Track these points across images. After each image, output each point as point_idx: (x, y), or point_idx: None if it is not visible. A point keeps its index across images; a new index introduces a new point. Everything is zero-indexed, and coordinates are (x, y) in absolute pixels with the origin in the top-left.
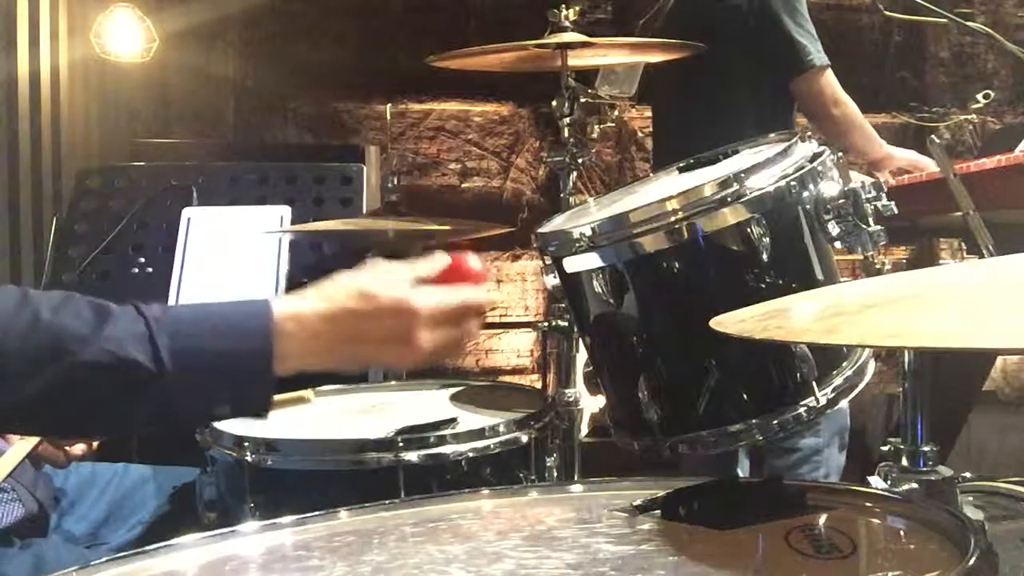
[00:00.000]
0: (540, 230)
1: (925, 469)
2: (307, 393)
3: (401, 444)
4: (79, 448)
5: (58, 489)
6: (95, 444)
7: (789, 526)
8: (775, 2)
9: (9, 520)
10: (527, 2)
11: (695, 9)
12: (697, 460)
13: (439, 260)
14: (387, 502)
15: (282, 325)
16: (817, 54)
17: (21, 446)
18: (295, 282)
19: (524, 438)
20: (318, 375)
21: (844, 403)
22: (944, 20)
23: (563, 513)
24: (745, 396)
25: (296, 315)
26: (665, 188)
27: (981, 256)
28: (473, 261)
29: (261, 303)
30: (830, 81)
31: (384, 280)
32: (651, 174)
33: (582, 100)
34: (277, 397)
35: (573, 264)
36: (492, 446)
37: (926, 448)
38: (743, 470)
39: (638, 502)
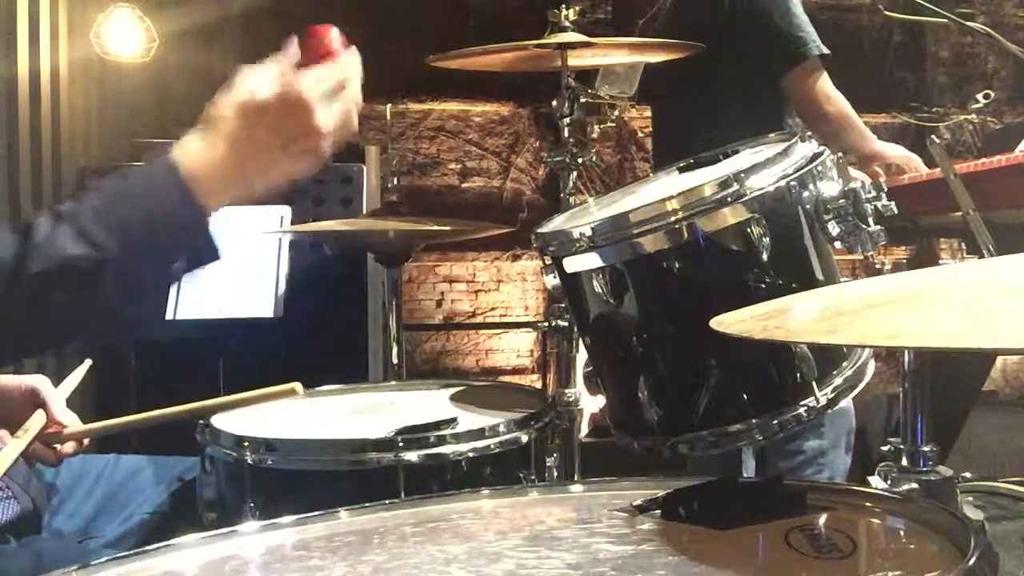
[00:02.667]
0: (540, 230)
1: (925, 469)
2: (296, 385)
3: (401, 444)
4: (70, 447)
5: (49, 484)
6: (85, 441)
7: (789, 526)
8: None
9: (5, 518)
10: (527, 2)
11: (693, 9)
12: (702, 461)
13: (296, 44)
14: (387, 502)
15: (189, 168)
16: (811, 45)
17: (15, 444)
18: (295, 282)
19: (524, 438)
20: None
21: (849, 405)
22: (944, 20)
23: (563, 513)
24: (745, 396)
25: (197, 155)
26: (665, 188)
27: (981, 256)
28: (327, 31)
29: (163, 158)
30: (822, 77)
31: (256, 82)
32: (651, 174)
33: (582, 100)
34: (266, 390)
35: (573, 264)
36: (492, 446)
37: (926, 448)
38: (748, 471)
39: (638, 502)
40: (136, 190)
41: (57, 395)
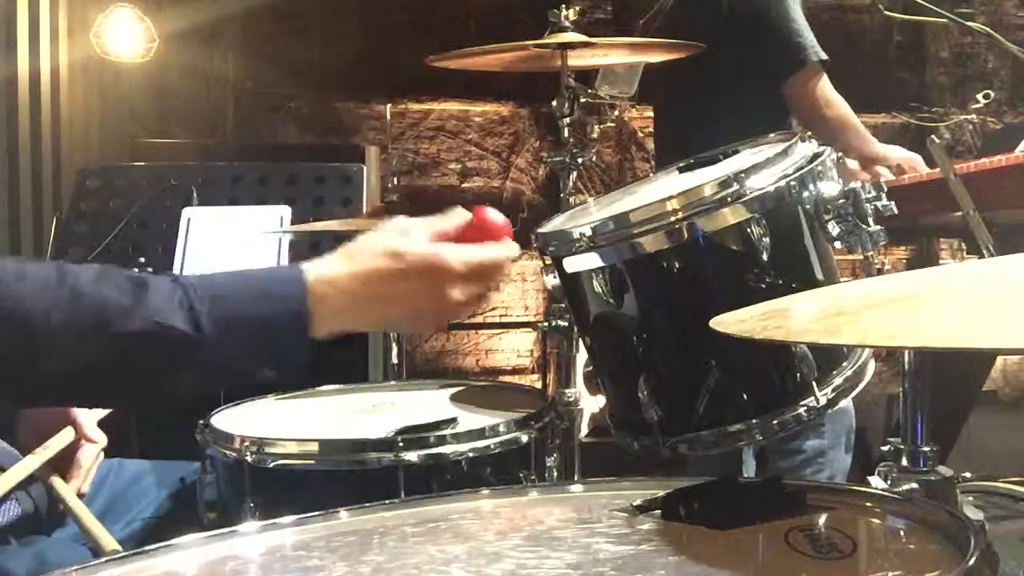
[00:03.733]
0: (540, 230)
1: (925, 469)
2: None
3: (401, 444)
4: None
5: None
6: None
7: (789, 526)
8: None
9: (6, 519)
10: (527, 2)
11: (693, 9)
12: (703, 461)
13: (461, 216)
14: (387, 502)
15: (315, 288)
16: (812, 50)
17: (30, 460)
18: None
19: (524, 438)
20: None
21: (849, 405)
22: (944, 20)
23: (563, 513)
24: (745, 396)
25: (329, 278)
26: (665, 188)
27: (981, 256)
28: (495, 215)
29: (294, 269)
30: (822, 82)
31: (412, 238)
32: (651, 174)
33: (582, 100)
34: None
35: (573, 264)
36: (492, 446)
37: (926, 448)
38: (748, 471)
39: (638, 502)
40: (255, 287)
41: (88, 415)
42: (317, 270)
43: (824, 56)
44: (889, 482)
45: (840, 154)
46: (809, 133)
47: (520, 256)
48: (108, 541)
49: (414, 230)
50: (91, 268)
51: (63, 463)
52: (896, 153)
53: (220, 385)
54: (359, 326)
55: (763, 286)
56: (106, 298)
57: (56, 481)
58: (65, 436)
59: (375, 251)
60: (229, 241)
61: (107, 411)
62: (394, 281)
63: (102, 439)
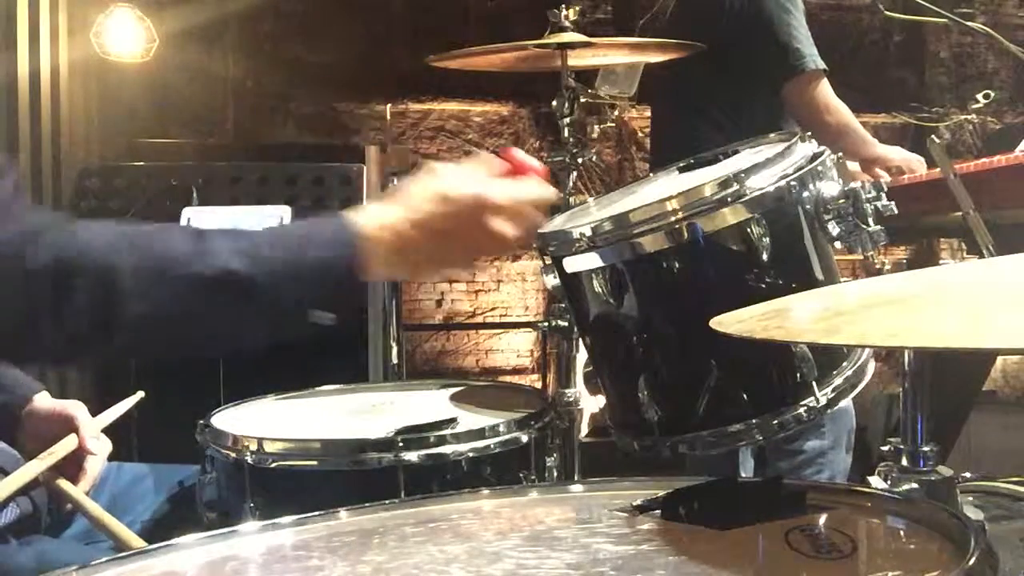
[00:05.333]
0: (540, 230)
1: (925, 469)
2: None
3: (401, 444)
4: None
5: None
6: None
7: (789, 526)
8: (768, 4)
9: (4, 521)
10: (527, 2)
11: (695, 10)
12: (701, 461)
13: (491, 158)
14: (387, 502)
15: (369, 232)
16: (810, 57)
17: (32, 466)
18: None
19: (524, 438)
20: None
21: (850, 405)
22: (944, 20)
23: (563, 513)
24: (745, 396)
25: (383, 223)
26: (665, 188)
27: (981, 256)
28: (527, 157)
29: (346, 216)
30: (822, 88)
31: (459, 179)
32: (651, 174)
33: (582, 100)
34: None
35: (573, 264)
36: (492, 446)
37: (926, 448)
38: (748, 471)
39: (638, 502)
40: (309, 233)
41: (92, 423)
42: (367, 214)
43: (823, 65)
44: (889, 482)
45: (840, 154)
46: (809, 133)
47: (521, 256)
48: (130, 537)
49: (459, 172)
50: (149, 224)
51: (69, 469)
52: (896, 155)
53: (280, 329)
54: (411, 266)
55: (763, 286)
56: (169, 244)
57: (64, 484)
58: (69, 443)
59: (427, 196)
60: None
61: (114, 418)
62: (445, 222)
63: (107, 446)
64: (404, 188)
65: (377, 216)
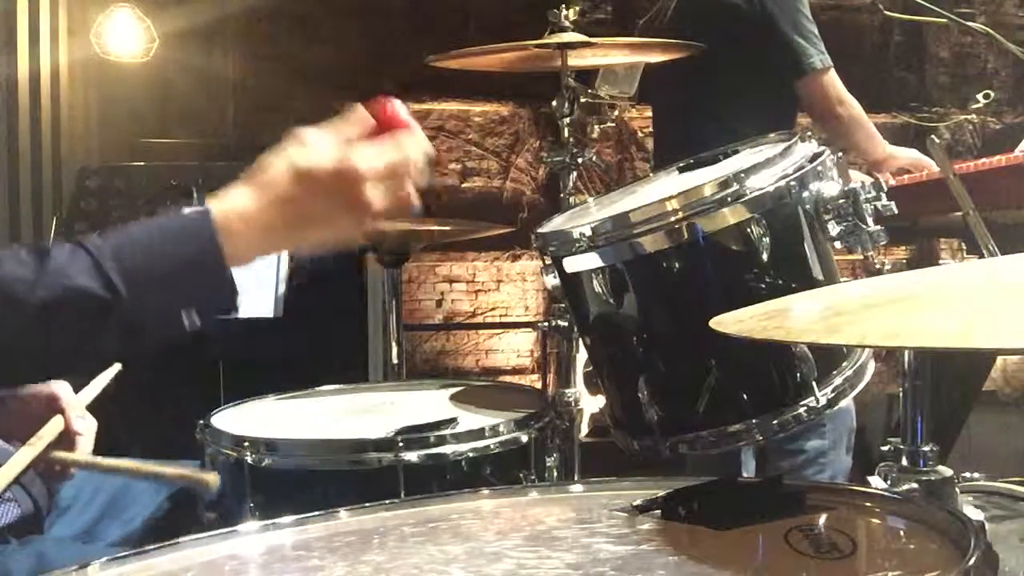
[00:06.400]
0: (540, 230)
1: (925, 469)
2: (212, 476)
3: (401, 444)
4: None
5: (53, 487)
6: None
7: (789, 526)
8: (774, 4)
9: (5, 521)
10: (527, 2)
11: (696, 10)
12: (702, 460)
13: (361, 115)
14: (387, 502)
15: (226, 224)
16: (819, 56)
17: (26, 452)
18: (295, 282)
19: (524, 438)
20: (316, 373)
21: (850, 405)
22: (944, 20)
23: (563, 513)
24: (745, 396)
25: (240, 213)
26: (665, 188)
27: (981, 256)
28: (398, 108)
29: (200, 211)
30: (833, 82)
31: (316, 150)
32: (651, 174)
33: (582, 100)
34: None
35: (573, 264)
36: (492, 446)
37: (926, 448)
38: (748, 471)
39: (638, 502)
40: (165, 235)
41: (76, 401)
42: (224, 205)
43: (829, 63)
44: (889, 482)
45: (840, 154)
46: (810, 133)
47: (521, 256)
48: (174, 470)
49: (318, 142)
50: None
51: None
52: (905, 154)
53: (150, 338)
54: (280, 246)
55: (763, 286)
56: (7, 275)
57: (62, 454)
58: (55, 425)
59: (284, 175)
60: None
61: (95, 394)
62: (305, 199)
63: (92, 424)
64: (264, 164)
65: (233, 202)
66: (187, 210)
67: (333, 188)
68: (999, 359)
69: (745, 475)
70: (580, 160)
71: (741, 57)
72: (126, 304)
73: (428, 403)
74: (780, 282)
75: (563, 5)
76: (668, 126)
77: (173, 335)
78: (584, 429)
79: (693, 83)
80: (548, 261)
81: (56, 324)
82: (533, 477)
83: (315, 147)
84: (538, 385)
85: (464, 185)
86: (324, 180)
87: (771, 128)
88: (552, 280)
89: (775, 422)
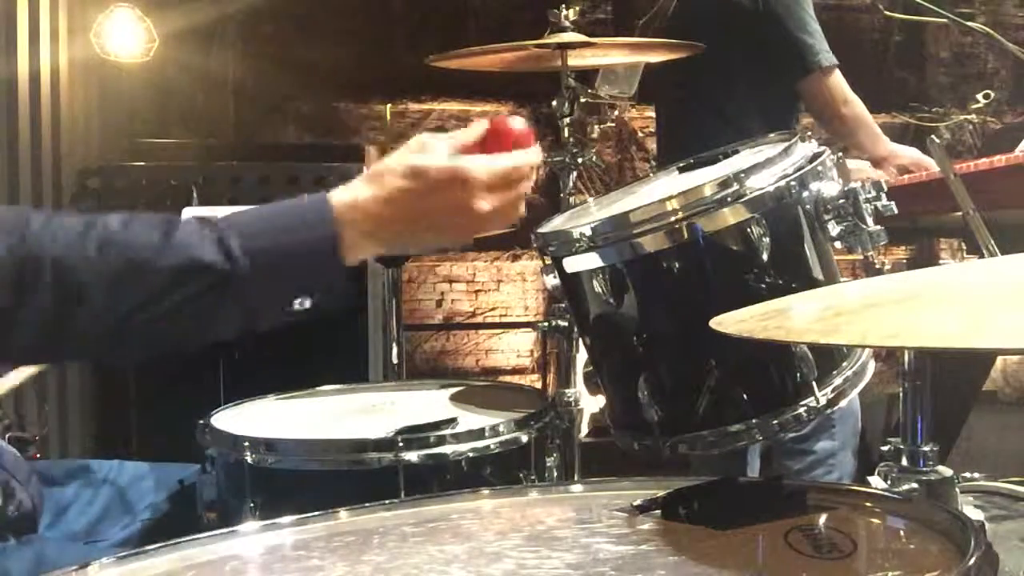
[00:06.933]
0: (540, 230)
1: (925, 469)
2: None
3: (401, 444)
4: None
5: (53, 486)
6: None
7: (789, 526)
8: (778, 2)
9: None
10: (527, 2)
11: (699, 9)
12: (707, 461)
13: (480, 126)
14: (387, 502)
15: (342, 214)
16: (824, 54)
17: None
18: None
19: (524, 438)
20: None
21: (857, 406)
22: (944, 20)
23: (563, 513)
24: (745, 396)
25: (354, 203)
26: (665, 188)
27: (981, 256)
28: (516, 123)
29: (319, 197)
30: (838, 81)
31: (434, 154)
32: (651, 174)
33: (582, 100)
34: None
35: (573, 264)
36: (492, 446)
37: (926, 448)
38: (753, 471)
39: (638, 502)
40: (285, 220)
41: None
42: (342, 195)
43: (835, 61)
44: (889, 482)
45: (840, 154)
46: (810, 133)
47: (521, 255)
48: None
49: (435, 145)
50: (119, 215)
51: None
52: (906, 153)
53: (259, 317)
54: (390, 246)
55: (763, 286)
56: (134, 240)
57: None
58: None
59: (398, 171)
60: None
61: (4, 390)
62: (419, 199)
63: None
64: (380, 163)
65: (349, 195)
66: (307, 197)
67: (446, 190)
68: (999, 359)
69: (750, 475)
70: (580, 160)
71: (745, 56)
72: (246, 281)
73: (428, 403)
74: (780, 282)
75: (563, 5)
76: (677, 125)
77: (282, 319)
78: (584, 429)
79: (697, 82)
80: (548, 261)
81: (177, 294)
82: (533, 477)
83: (432, 148)
84: (538, 385)
85: None
86: (437, 180)
87: (775, 128)
88: (552, 280)
89: (775, 422)
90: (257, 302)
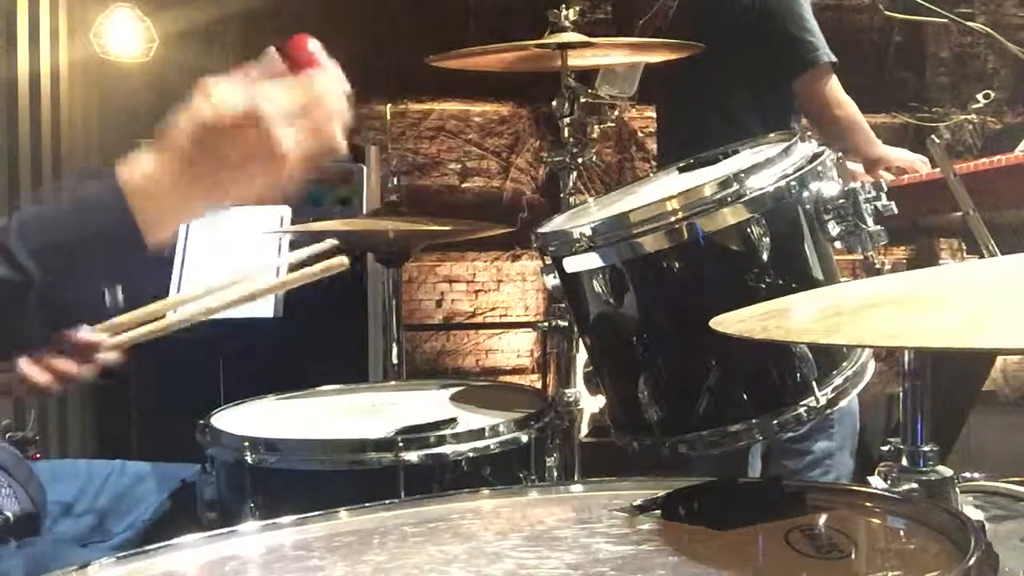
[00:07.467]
0: (540, 230)
1: (925, 469)
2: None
3: (401, 444)
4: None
5: (54, 486)
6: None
7: (789, 526)
8: (777, 1)
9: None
10: (527, 2)
11: (699, 9)
12: (707, 461)
13: (271, 57)
14: (387, 502)
15: (132, 189)
16: (822, 51)
17: None
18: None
19: (524, 438)
20: (316, 373)
21: (855, 406)
22: (944, 20)
23: (563, 513)
24: (745, 396)
25: (144, 174)
26: (665, 188)
27: (981, 256)
28: (311, 46)
29: (107, 180)
30: (833, 82)
31: (219, 101)
32: (651, 174)
33: (582, 100)
34: (314, 268)
35: (573, 264)
36: (492, 446)
37: (926, 448)
38: (754, 471)
39: (638, 502)
40: (74, 211)
41: None
42: (130, 169)
43: (834, 58)
44: (889, 482)
45: (840, 154)
46: (809, 133)
47: (521, 256)
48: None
49: (222, 92)
50: None
51: None
52: (900, 155)
53: (75, 314)
54: (197, 205)
55: (763, 286)
56: None
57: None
58: None
59: (186, 135)
60: (229, 241)
61: None
62: (212, 150)
63: None
64: (169, 123)
65: (139, 167)
66: (93, 181)
67: (239, 137)
68: (999, 359)
69: (751, 476)
70: (580, 160)
71: (745, 56)
72: (40, 287)
73: (428, 403)
74: (780, 282)
75: (563, 5)
76: (679, 125)
77: (100, 311)
78: (584, 429)
79: (697, 82)
80: (548, 261)
81: None
82: (533, 477)
83: (219, 97)
84: (538, 385)
85: (464, 185)
86: (228, 131)
87: (774, 128)
88: (552, 280)
89: (775, 422)
90: (62, 300)
